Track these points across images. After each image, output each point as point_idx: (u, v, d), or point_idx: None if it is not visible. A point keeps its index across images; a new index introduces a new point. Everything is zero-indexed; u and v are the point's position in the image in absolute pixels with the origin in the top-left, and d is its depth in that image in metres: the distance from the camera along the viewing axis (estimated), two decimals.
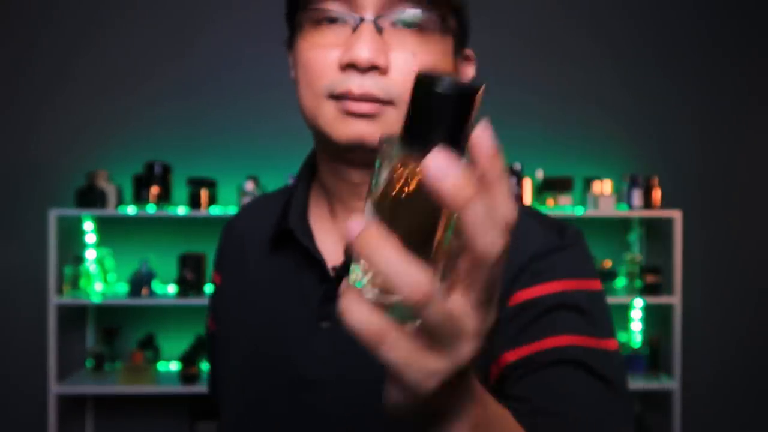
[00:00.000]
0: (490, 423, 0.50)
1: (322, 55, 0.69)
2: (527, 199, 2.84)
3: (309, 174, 0.83)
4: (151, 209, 2.75)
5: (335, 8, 0.69)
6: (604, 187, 2.88)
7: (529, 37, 3.13)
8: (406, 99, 0.52)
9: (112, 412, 2.96)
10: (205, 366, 2.83)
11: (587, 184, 2.92)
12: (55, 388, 2.66)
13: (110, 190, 2.79)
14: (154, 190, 2.75)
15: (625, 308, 3.07)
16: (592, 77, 3.14)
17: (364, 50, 0.66)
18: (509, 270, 0.70)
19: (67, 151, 2.99)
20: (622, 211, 2.88)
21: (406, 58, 0.68)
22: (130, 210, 2.77)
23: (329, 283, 0.75)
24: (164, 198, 2.78)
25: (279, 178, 2.87)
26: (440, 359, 0.43)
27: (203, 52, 3.04)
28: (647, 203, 2.88)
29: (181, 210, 2.80)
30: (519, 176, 2.84)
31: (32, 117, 3.01)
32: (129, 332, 2.97)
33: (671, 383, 2.82)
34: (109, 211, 2.77)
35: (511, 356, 0.69)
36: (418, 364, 0.42)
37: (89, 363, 2.84)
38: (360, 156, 0.71)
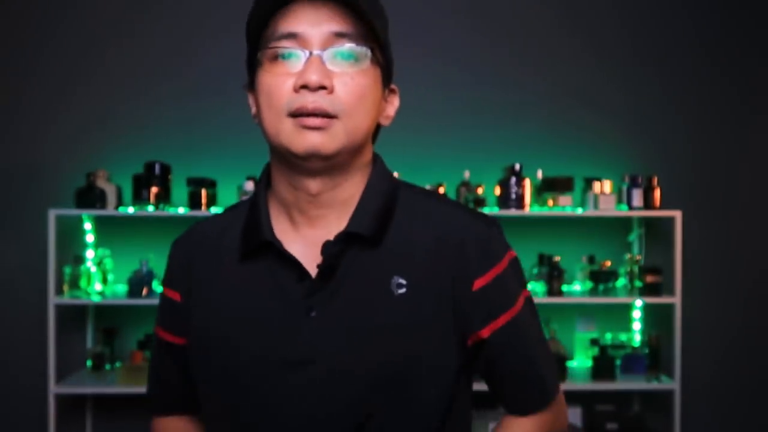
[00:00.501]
0: None
1: (281, 81, 0.87)
2: (527, 199, 2.84)
3: (265, 192, 0.97)
4: (150, 209, 2.75)
5: (289, 45, 0.87)
6: (604, 187, 2.88)
7: (529, 37, 3.13)
8: (347, 114, 0.86)
9: (111, 412, 2.96)
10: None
11: (587, 184, 2.92)
12: (54, 388, 2.66)
13: (110, 190, 2.78)
14: (154, 190, 2.75)
15: (625, 308, 3.07)
16: (592, 77, 3.13)
17: (313, 75, 0.85)
18: (461, 255, 0.92)
19: (67, 151, 2.99)
20: (622, 211, 2.88)
21: (346, 81, 0.87)
22: (130, 210, 2.77)
23: (310, 279, 0.90)
24: (164, 198, 2.78)
25: None
26: None
27: (203, 53, 3.04)
28: (647, 203, 2.88)
29: (181, 210, 2.80)
30: (519, 176, 2.83)
31: (32, 117, 3.01)
32: (129, 332, 2.97)
33: (671, 383, 2.82)
34: (109, 211, 2.77)
35: (485, 333, 0.93)
36: None
37: (89, 363, 2.84)
38: (315, 164, 0.88)
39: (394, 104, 0.98)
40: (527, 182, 2.84)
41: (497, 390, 0.98)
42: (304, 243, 0.93)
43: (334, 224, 0.93)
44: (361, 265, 0.91)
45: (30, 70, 3.01)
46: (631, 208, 2.87)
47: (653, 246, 3.07)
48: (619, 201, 2.90)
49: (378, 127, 0.98)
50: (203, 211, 2.77)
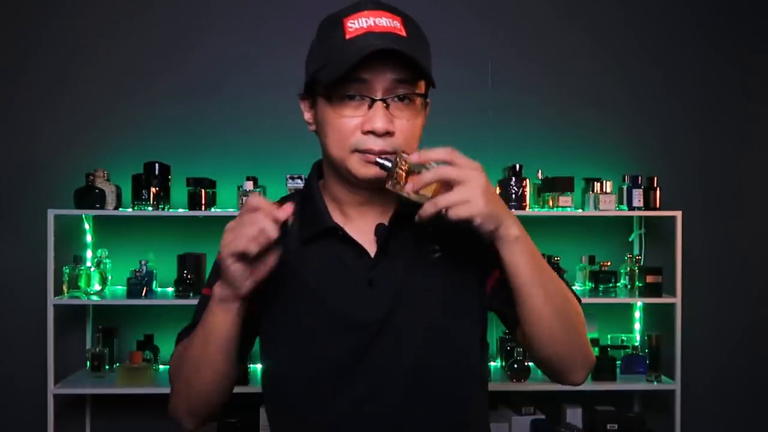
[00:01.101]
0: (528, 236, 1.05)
1: (347, 122, 1.05)
2: (527, 199, 2.84)
3: (317, 186, 1.18)
4: (150, 209, 2.74)
5: (355, 90, 1.03)
6: (604, 187, 2.88)
7: (530, 37, 3.12)
8: (404, 148, 1.03)
9: (110, 412, 2.96)
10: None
11: (587, 184, 2.91)
12: (53, 389, 2.65)
13: (109, 191, 2.78)
14: (153, 190, 2.74)
15: (626, 308, 3.07)
16: (592, 77, 3.13)
17: (379, 123, 1.02)
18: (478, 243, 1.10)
19: (66, 151, 2.98)
20: (623, 211, 2.87)
21: (403, 124, 1.05)
22: (129, 210, 2.77)
23: (368, 257, 1.11)
24: (163, 198, 2.77)
25: (278, 178, 2.86)
26: (466, 189, 0.97)
27: (203, 53, 3.03)
28: (647, 203, 2.88)
29: (181, 210, 2.79)
30: (519, 176, 2.83)
31: (31, 117, 3.00)
32: (128, 332, 2.97)
33: (671, 383, 2.82)
34: (108, 211, 2.76)
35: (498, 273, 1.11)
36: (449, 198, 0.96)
37: (88, 363, 2.83)
38: (372, 186, 1.09)
39: (427, 112, 1.15)
40: (527, 182, 2.84)
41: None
42: (354, 229, 1.13)
43: (378, 215, 1.14)
44: (405, 241, 1.11)
45: (29, 70, 3.00)
46: (631, 208, 2.87)
47: (653, 246, 3.06)
48: (620, 201, 2.89)
49: None
50: (203, 211, 2.77)
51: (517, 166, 2.84)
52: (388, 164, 0.99)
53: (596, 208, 2.85)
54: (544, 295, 1.04)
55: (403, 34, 1.05)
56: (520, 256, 1.03)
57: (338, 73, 1.00)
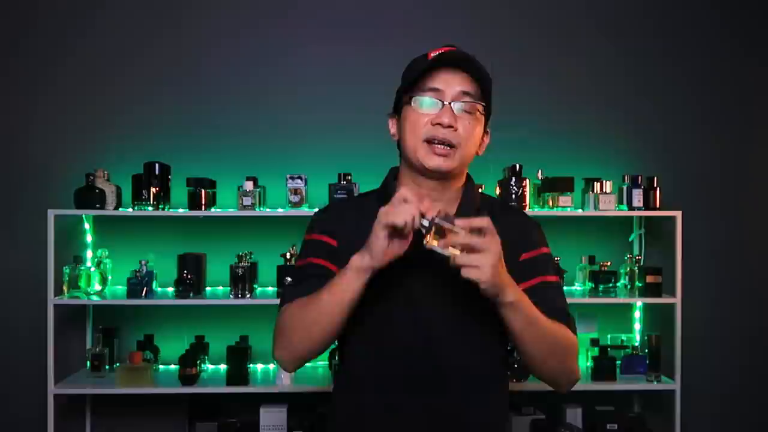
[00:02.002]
0: (525, 299, 1.27)
1: (422, 118, 1.36)
2: (527, 199, 2.84)
3: (393, 184, 1.45)
4: (150, 209, 2.74)
5: (429, 96, 1.36)
6: (604, 187, 2.88)
7: (530, 37, 3.12)
8: (462, 146, 1.37)
9: (110, 412, 2.96)
10: (205, 364, 2.84)
11: (587, 184, 2.91)
12: (53, 389, 2.65)
13: (109, 191, 2.78)
14: (154, 190, 2.74)
15: (626, 308, 3.07)
16: (592, 77, 3.13)
17: (446, 117, 1.34)
18: (515, 237, 1.39)
19: (66, 152, 2.99)
20: (623, 211, 2.87)
21: (465, 124, 1.37)
22: (130, 210, 2.77)
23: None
24: (163, 198, 2.77)
25: (278, 178, 2.86)
26: (482, 257, 1.18)
27: (203, 53, 3.03)
28: (647, 203, 2.88)
29: (181, 210, 2.79)
30: (519, 176, 2.83)
31: (31, 117, 3.00)
32: (128, 333, 2.97)
33: (671, 383, 2.82)
34: (109, 211, 2.76)
35: (521, 286, 1.33)
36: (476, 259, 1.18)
37: (88, 363, 2.83)
38: (437, 176, 1.38)
39: (486, 141, 1.47)
40: (527, 182, 2.84)
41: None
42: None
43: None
44: None
45: (29, 70, 3.00)
46: (631, 208, 2.87)
47: (653, 246, 3.06)
48: (620, 201, 2.89)
49: (475, 154, 1.44)
50: (203, 211, 2.77)
51: (517, 166, 2.84)
52: (426, 224, 1.21)
53: (596, 208, 2.85)
54: (533, 342, 1.30)
55: (474, 60, 1.37)
56: (513, 316, 1.26)
57: (416, 74, 1.34)
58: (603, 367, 2.81)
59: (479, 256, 1.17)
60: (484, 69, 1.39)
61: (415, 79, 1.36)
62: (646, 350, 2.89)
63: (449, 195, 1.41)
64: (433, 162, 1.34)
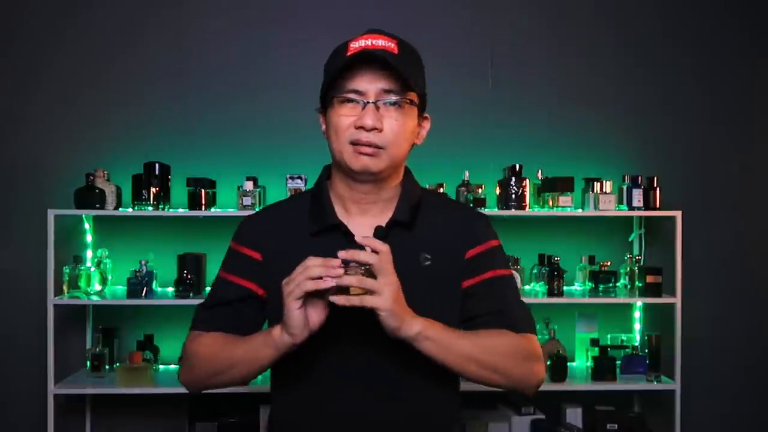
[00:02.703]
0: (433, 326, 1.20)
1: (345, 120, 1.26)
2: (527, 199, 2.84)
3: (326, 186, 1.35)
4: (150, 209, 2.74)
5: (352, 95, 1.25)
6: (604, 187, 2.88)
7: (530, 37, 3.12)
8: (391, 145, 1.26)
9: (110, 412, 2.96)
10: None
11: (587, 184, 2.91)
12: (53, 389, 2.65)
13: (109, 191, 2.78)
14: (154, 190, 2.74)
15: (626, 308, 3.07)
16: (592, 77, 3.13)
17: (368, 120, 1.23)
18: (462, 235, 1.34)
19: (66, 151, 2.98)
20: (622, 211, 2.87)
21: (391, 122, 1.26)
22: (130, 210, 2.77)
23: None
24: (163, 198, 2.77)
25: (278, 178, 2.86)
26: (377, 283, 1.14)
27: (202, 52, 3.03)
28: (647, 203, 2.88)
29: (181, 210, 2.79)
30: (519, 176, 2.83)
31: (31, 117, 3.00)
32: (128, 333, 2.97)
33: (671, 383, 2.82)
34: (108, 211, 2.76)
35: (468, 283, 1.33)
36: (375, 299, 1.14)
37: (88, 363, 2.83)
38: (366, 177, 1.28)
39: (425, 128, 1.37)
40: (527, 182, 2.84)
41: (477, 320, 1.33)
42: (356, 226, 1.29)
43: (378, 214, 1.32)
44: (399, 244, 1.24)
45: (29, 70, 3.00)
46: (631, 208, 2.87)
47: (653, 246, 3.06)
48: (620, 201, 2.89)
49: (412, 146, 1.35)
50: (203, 211, 2.77)
51: (517, 166, 2.84)
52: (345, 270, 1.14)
53: (596, 208, 2.85)
54: (456, 363, 1.23)
55: (395, 52, 1.25)
56: (426, 347, 1.20)
57: (332, 75, 1.25)
58: (603, 367, 2.81)
59: (375, 282, 1.13)
60: (409, 57, 1.29)
61: (334, 79, 1.26)
62: (646, 350, 2.89)
63: (385, 195, 1.32)
64: (360, 163, 1.25)
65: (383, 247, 1.15)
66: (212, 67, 3.03)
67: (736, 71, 3.17)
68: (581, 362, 2.98)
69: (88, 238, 2.93)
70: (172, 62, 3.03)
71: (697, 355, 3.01)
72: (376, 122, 1.23)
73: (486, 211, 2.81)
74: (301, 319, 1.15)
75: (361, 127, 1.24)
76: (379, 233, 1.28)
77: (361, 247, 1.16)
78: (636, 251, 3.05)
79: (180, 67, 3.03)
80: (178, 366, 2.78)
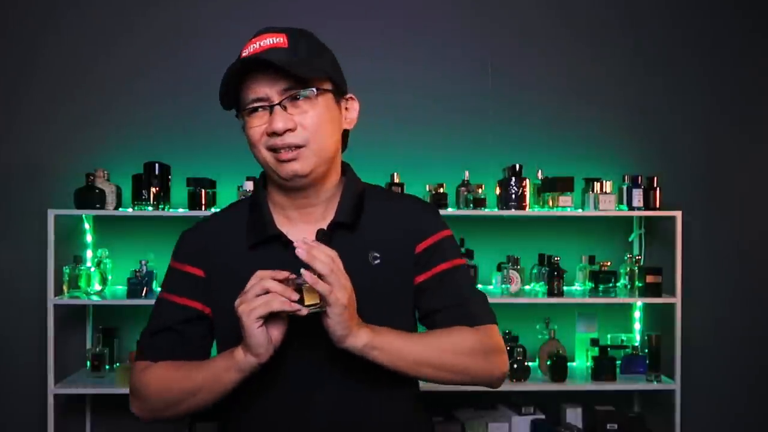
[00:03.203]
0: (381, 333, 1.14)
1: (257, 130, 1.20)
2: (527, 199, 2.84)
3: (264, 195, 1.29)
4: (150, 209, 2.74)
5: (257, 104, 1.19)
6: (604, 187, 2.88)
7: (530, 37, 3.12)
8: (311, 140, 1.18)
9: (110, 412, 2.96)
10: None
11: (587, 184, 2.91)
12: (53, 388, 2.65)
13: (109, 191, 2.78)
14: (154, 190, 2.74)
15: (626, 308, 3.07)
16: (592, 77, 3.13)
17: (279, 123, 1.17)
18: (410, 229, 1.27)
19: (66, 152, 2.99)
20: (622, 211, 2.87)
21: (303, 118, 1.18)
22: (130, 210, 2.77)
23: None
24: (163, 198, 2.77)
25: None
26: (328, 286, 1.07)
27: (202, 52, 3.03)
28: (647, 203, 2.88)
29: (181, 210, 2.79)
30: (519, 176, 2.83)
31: (31, 117, 3.00)
32: (128, 332, 2.97)
33: (671, 383, 2.82)
34: (108, 211, 2.76)
35: (421, 278, 1.27)
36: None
37: (88, 363, 2.83)
38: (299, 182, 1.21)
39: (353, 108, 1.29)
40: (527, 182, 2.84)
41: (433, 317, 1.28)
42: (297, 233, 1.23)
43: (321, 217, 1.26)
44: (344, 245, 1.18)
45: (29, 70, 3.00)
46: (631, 208, 2.87)
47: (653, 246, 3.06)
48: (620, 201, 2.90)
49: (346, 133, 1.29)
50: (203, 211, 2.77)
51: (517, 166, 2.84)
52: (300, 282, 1.09)
53: (596, 208, 2.85)
54: (410, 369, 1.18)
55: (285, 46, 1.19)
56: (373, 356, 1.14)
57: (221, 93, 1.22)
58: (603, 367, 2.81)
59: (329, 287, 1.07)
60: (304, 45, 1.21)
61: (236, 94, 1.22)
62: (646, 350, 2.89)
63: (324, 195, 1.25)
64: (287, 170, 1.19)
65: (329, 254, 1.08)
66: (213, 67, 3.01)
67: (736, 71, 3.17)
68: (581, 362, 2.98)
69: (88, 238, 2.93)
70: (173, 62, 3.03)
71: (697, 355, 3.01)
72: (286, 123, 1.17)
73: (486, 211, 2.81)
74: (265, 336, 1.09)
75: (274, 132, 1.17)
76: (322, 237, 1.22)
77: (300, 264, 1.08)
78: (636, 251, 3.05)
79: (181, 67, 3.03)
80: None
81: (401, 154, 2.97)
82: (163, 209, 2.76)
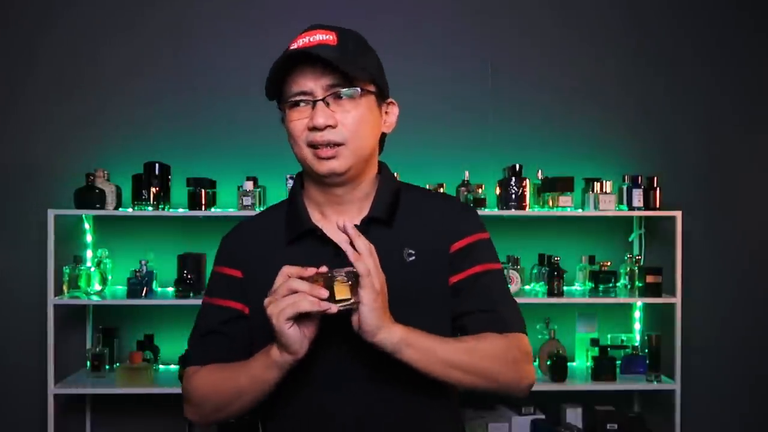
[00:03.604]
0: (413, 334, 1.13)
1: (298, 124, 1.21)
2: (527, 199, 2.84)
3: (300, 193, 1.31)
4: (150, 209, 2.74)
5: (300, 97, 1.20)
6: (604, 187, 2.88)
7: (530, 37, 3.12)
8: (351, 139, 1.19)
9: (110, 412, 2.96)
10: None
11: (587, 184, 2.91)
12: (53, 388, 2.65)
13: (109, 191, 2.78)
14: (154, 190, 2.74)
15: (626, 308, 3.07)
16: (592, 77, 3.13)
17: (320, 118, 1.18)
18: (444, 225, 1.27)
19: (66, 152, 2.99)
20: (623, 211, 2.87)
21: (345, 116, 1.19)
22: (130, 210, 2.77)
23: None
24: (163, 198, 2.77)
25: (278, 178, 2.86)
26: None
27: (202, 52, 3.03)
28: (647, 203, 2.88)
29: (181, 210, 2.79)
30: (519, 176, 2.83)
31: (31, 117, 3.01)
32: (128, 332, 2.97)
33: (671, 383, 2.82)
34: (108, 211, 2.76)
35: (455, 279, 1.25)
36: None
37: (88, 363, 2.83)
38: (335, 179, 1.22)
39: (393, 113, 1.30)
40: (527, 182, 2.84)
41: (463, 320, 1.26)
42: (333, 229, 1.22)
43: (356, 213, 1.26)
44: (379, 242, 1.16)
45: (29, 70, 3.01)
46: (631, 208, 2.87)
47: (653, 246, 3.06)
48: (620, 201, 2.90)
49: (383, 136, 1.30)
50: (203, 211, 2.77)
51: (517, 166, 2.84)
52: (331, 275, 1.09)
53: (596, 208, 2.85)
54: (440, 371, 1.16)
55: (334, 44, 1.20)
56: (406, 354, 1.13)
57: (272, 83, 1.22)
58: (603, 367, 2.81)
59: (361, 282, 1.07)
60: (352, 45, 1.23)
61: (279, 86, 1.23)
62: (646, 350, 2.89)
63: (360, 193, 1.26)
64: (324, 167, 1.20)
65: (364, 247, 1.09)
66: (213, 67, 3.03)
67: (737, 71, 3.17)
68: (581, 362, 2.98)
69: (88, 238, 2.93)
70: (173, 62, 3.03)
71: (697, 355, 3.01)
72: (328, 119, 1.17)
73: (486, 211, 2.81)
74: (297, 334, 1.09)
75: (315, 128, 1.18)
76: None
77: (343, 261, 1.10)
78: (636, 251, 3.05)
79: (180, 67, 3.03)
80: (178, 368, 2.80)
81: (401, 154, 2.96)
82: (163, 209, 2.76)
